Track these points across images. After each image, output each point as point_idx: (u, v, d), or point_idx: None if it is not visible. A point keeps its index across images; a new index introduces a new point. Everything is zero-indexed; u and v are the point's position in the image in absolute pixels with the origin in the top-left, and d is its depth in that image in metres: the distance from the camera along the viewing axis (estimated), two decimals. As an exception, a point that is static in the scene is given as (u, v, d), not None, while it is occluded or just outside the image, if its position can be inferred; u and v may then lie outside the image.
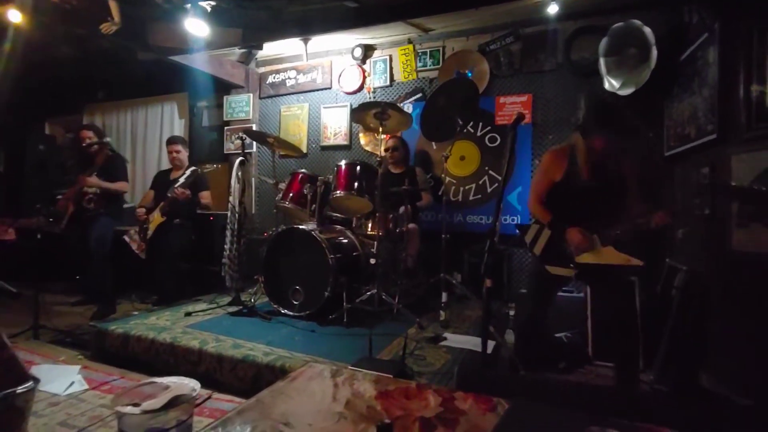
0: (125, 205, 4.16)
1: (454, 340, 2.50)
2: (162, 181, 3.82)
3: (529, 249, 2.27)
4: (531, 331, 2.33)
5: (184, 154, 3.84)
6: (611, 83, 3.17)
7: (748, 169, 2.08)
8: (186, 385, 0.67)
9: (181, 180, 3.47)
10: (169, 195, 3.44)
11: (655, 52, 2.88)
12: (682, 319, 2.41)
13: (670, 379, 2.37)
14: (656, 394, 2.20)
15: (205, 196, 3.72)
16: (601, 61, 3.18)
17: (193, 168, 3.57)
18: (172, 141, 3.88)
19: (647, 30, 2.92)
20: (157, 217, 3.47)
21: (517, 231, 2.42)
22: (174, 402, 0.61)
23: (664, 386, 2.36)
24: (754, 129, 2.08)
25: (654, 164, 3.20)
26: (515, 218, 3.71)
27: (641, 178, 2.19)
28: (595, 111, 2.22)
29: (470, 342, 2.44)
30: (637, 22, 2.98)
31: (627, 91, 3.08)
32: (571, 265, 2.06)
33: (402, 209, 3.04)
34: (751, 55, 2.09)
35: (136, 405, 0.60)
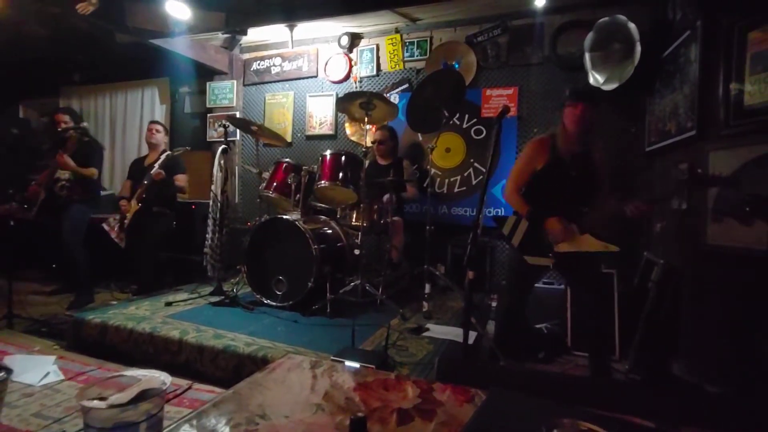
0: (103, 193, 4.05)
1: (437, 330, 2.52)
2: (137, 169, 3.74)
3: (506, 241, 2.31)
4: (510, 321, 2.37)
5: (162, 136, 3.81)
6: (596, 78, 3.20)
7: (725, 165, 2.13)
8: (156, 378, 0.65)
9: (156, 165, 3.44)
10: (145, 181, 3.39)
11: (639, 48, 2.91)
12: (657, 311, 2.48)
13: (644, 368, 2.45)
14: (630, 383, 2.26)
15: (181, 179, 3.65)
16: (587, 55, 3.20)
17: (168, 152, 3.53)
18: (154, 121, 3.91)
19: (632, 26, 2.95)
20: (133, 205, 3.41)
21: (494, 223, 2.44)
22: (143, 395, 0.60)
23: (638, 375, 2.44)
24: (731, 126, 2.12)
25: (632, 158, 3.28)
26: (499, 211, 3.73)
27: (617, 171, 2.26)
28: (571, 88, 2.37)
29: (452, 333, 2.46)
30: (623, 17, 3.00)
31: (611, 86, 3.12)
32: (550, 255, 2.10)
33: (386, 197, 3.03)
34: (731, 53, 2.12)
35: (103, 399, 0.58)
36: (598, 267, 2.19)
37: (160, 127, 3.80)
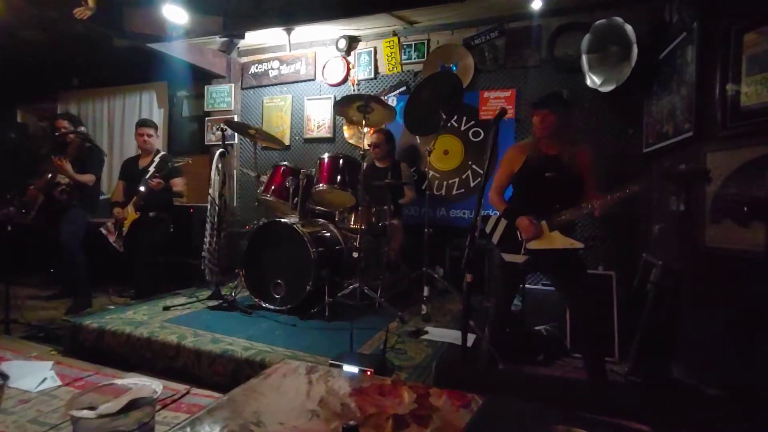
0: (102, 197, 4.04)
1: (436, 333, 2.52)
2: (131, 170, 3.64)
3: (488, 238, 2.44)
4: (498, 319, 2.39)
5: (154, 139, 3.68)
6: (593, 80, 3.20)
7: (723, 167, 2.13)
8: (147, 386, 0.65)
9: (151, 169, 3.39)
10: (141, 189, 3.33)
11: (636, 50, 2.92)
12: (656, 313, 2.48)
13: (644, 370, 2.44)
14: (630, 385, 2.26)
15: (178, 183, 3.56)
16: (584, 57, 3.21)
17: (162, 154, 3.48)
18: (144, 124, 3.66)
19: (629, 28, 2.95)
20: (131, 214, 3.38)
21: (482, 223, 2.51)
22: (134, 404, 0.59)
23: (638, 377, 2.43)
24: (728, 128, 2.13)
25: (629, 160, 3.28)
26: (497, 213, 3.72)
27: (615, 173, 2.28)
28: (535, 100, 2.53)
29: (451, 336, 2.46)
30: (619, 19, 3.01)
31: (608, 88, 3.12)
32: (523, 252, 2.22)
33: (386, 207, 3.04)
34: (728, 54, 2.13)
35: (92, 408, 0.57)
36: (577, 266, 2.22)
37: (151, 131, 3.63)
